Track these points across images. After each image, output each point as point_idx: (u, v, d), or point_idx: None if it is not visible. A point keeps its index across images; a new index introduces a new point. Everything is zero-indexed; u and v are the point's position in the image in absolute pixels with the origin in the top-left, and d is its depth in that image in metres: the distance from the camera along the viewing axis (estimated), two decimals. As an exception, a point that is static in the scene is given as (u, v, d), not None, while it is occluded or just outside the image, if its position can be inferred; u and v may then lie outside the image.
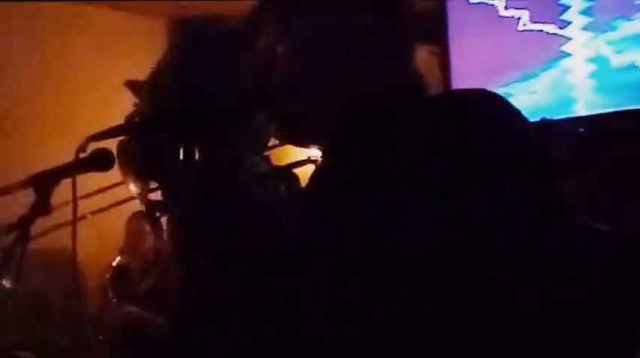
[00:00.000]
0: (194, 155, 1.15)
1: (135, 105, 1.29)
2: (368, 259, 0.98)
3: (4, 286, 1.28)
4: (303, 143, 1.24)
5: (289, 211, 1.16)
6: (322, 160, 1.19)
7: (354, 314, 0.98)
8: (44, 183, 1.30)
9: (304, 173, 1.49)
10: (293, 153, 1.36)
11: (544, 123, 3.21)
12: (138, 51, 3.93)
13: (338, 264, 1.00)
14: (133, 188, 1.21)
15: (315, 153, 1.30)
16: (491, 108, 1.05)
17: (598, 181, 3.01)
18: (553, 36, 3.44)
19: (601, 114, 3.40)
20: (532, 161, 1.02)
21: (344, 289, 0.99)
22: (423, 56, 1.22)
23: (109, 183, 1.52)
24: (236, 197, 1.13)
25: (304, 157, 1.40)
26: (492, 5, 3.59)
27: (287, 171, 1.30)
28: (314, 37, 1.14)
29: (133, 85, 1.25)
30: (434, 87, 1.19)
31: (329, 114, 1.14)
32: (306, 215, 1.10)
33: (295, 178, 1.29)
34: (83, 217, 1.40)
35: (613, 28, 3.34)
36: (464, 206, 0.96)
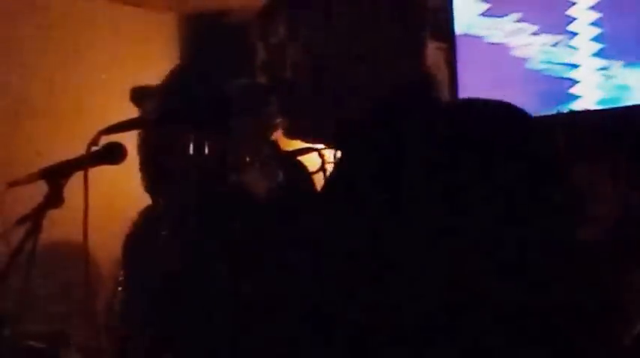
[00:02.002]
0: (203, 148, 1.15)
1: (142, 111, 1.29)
2: (371, 260, 0.98)
3: (17, 277, 1.30)
4: (308, 138, 1.24)
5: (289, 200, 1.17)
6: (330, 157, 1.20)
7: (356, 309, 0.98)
8: (56, 175, 1.32)
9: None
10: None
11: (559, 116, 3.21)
12: (146, 45, 3.94)
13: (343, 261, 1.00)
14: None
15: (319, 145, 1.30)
16: (498, 112, 1.06)
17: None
18: (562, 79, 3.44)
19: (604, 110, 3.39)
20: (537, 160, 1.03)
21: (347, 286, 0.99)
22: (430, 52, 1.22)
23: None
24: (239, 191, 1.14)
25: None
26: (503, 44, 3.56)
27: (289, 159, 1.31)
28: (324, 33, 1.15)
29: (135, 94, 1.26)
30: (441, 84, 1.20)
31: (337, 112, 1.15)
32: (310, 213, 1.10)
33: (298, 166, 1.29)
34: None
35: (625, 72, 3.34)
36: (470, 209, 0.97)
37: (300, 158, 1.41)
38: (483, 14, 3.60)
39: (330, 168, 1.23)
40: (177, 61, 3.83)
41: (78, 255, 1.33)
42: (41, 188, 1.34)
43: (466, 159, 0.98)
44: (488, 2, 3.58)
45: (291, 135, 1.18)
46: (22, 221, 1.32)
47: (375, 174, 1.03)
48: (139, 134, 1.50)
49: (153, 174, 1.39)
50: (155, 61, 3.79)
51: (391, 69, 1.15)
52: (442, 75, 1.22)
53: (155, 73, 1.58)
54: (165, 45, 4.03)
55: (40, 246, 1.31)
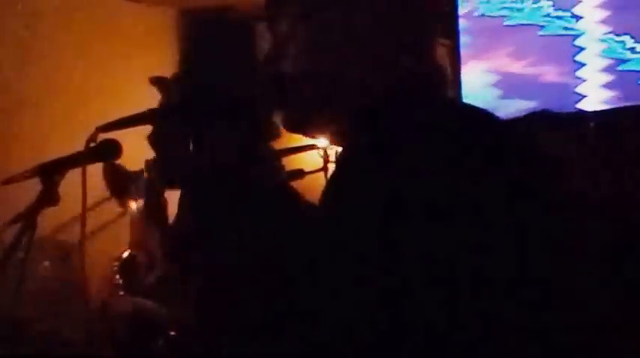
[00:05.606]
0: (205, 144, 1.14)
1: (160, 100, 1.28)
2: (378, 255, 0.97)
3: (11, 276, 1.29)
4: (310, 133, 1.23)
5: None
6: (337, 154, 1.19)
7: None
8: (51, 172, 1.30)
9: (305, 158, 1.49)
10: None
11: (545, 114, 3.22)
12: (147, 41, 3.93)
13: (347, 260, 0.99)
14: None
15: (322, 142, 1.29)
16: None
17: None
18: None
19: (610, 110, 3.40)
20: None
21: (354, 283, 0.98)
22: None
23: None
24: (246, 186, 1.13)
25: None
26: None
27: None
28: (327, 29, 1.14)
29: (157, 81, 1.24)
30: (445, 80, 1.19)
31: (340, 107, 1.14)
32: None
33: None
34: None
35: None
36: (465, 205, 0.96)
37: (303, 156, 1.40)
38: (498, 98, 3.65)
39: (331, 166, 1.22)
40: (177, 57, 3.83)
41: (73, 253, 1.32)
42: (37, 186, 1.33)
43: (460, 159, 0.97)
44: (500, 88, 3.62)
45: (293, 128, 1.17)
46: (16, 219, 1.30)
47: (374, 169, 1.02)
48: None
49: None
50: (155, 57, 3.79)
51: (393, 64, 1.14)
52: (445, 71, 1.20)
53: (155, 70, 1.56)
54: (166, 41, 4.02)
55: (35, 244, 1.30)
